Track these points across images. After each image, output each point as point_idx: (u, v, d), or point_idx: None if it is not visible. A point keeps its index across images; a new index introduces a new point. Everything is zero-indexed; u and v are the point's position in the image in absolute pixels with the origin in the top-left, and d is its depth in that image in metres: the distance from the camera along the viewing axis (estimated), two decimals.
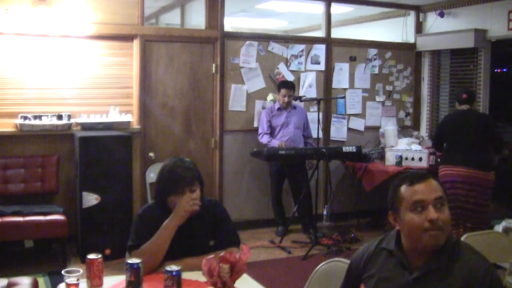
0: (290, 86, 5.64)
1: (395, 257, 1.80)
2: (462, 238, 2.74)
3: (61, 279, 2.05)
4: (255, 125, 5.89)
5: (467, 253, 1.75)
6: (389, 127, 6.27)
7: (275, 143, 5.51)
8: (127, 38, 5.30)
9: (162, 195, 2.44)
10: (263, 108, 5.88)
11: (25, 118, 4.89)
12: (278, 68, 6.02)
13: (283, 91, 5.58)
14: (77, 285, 2.01)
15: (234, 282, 2.00)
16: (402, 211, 1.77)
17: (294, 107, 5.70)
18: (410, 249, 1.78)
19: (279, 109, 5.66)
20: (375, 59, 6.55)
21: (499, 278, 1.76)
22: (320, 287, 2.31)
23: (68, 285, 2.00)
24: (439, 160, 5.28)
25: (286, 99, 5.56)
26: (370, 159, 5.86)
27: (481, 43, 5.94)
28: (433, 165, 5.40)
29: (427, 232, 1.70)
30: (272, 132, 5.66)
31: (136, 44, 5.32)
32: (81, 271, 2.06)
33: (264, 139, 5.60)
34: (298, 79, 6.13)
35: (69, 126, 5.02)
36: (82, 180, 4.71)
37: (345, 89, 6.41)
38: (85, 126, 5.10)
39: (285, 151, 5.35)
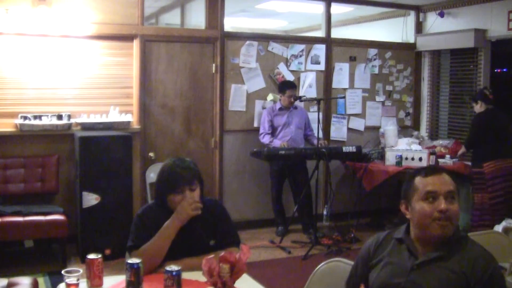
0: (293, 86, 5.69)
1: (404, 244, 1.89)
2: None
3: (61, 279, 2.05)
4: (255, 125, 5.89)
5: (473, 247, 1.82)
6: (389, 127, 6.27)
7: (276, 143, 5.52)
8: (127, 38, 5.30)
9: (162, 195, 2.44)
10: (263, 108, 5.88)
11: (25, 118, 4.89)
12: (278, 68, 6.02)
13: (288, 92, 5.58)
14: (77, 285, 2.01)
15: (234, 282, 1.99)
16: (414, 200, 1.86)
17: (295, 107, 5.71)
18: (418, 238, 1.86)
19: (280, 109, 5.66)
20: (375, 59, 6.55)
21: (501, 275, 1.79)
22: (320, 287, 2.31)
23: (68, 285, 2.00)
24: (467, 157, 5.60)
25: (292, 99, 5.58)
26: (370, 159, 5.86)
27: (481, 43, 5.94)
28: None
29: (435, 222, 1.79)
30: (273, 132, 5.67)
31: (136, 44, 5.32)
32: (81, 271, 2.06)
33: (265, 139, 5.61)
34: (298, 79, 6.13)
35: (69, 126, 5.02)
36: (82, 180, 4.71)
37: (345, 89, 6.41)
38: (85, 126, 5.09)
39: (285, 151, 5.35)
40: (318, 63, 6.23)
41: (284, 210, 5.84)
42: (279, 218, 5.80)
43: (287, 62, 6.07)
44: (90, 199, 4.69)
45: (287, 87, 5.65)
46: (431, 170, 1.88)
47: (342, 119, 6.42)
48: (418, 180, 1.88)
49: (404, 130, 6.60)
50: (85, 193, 4.69)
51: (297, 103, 5.74)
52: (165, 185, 2.43)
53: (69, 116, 5.04)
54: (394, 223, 5.51)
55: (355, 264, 2.04)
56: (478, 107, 5.33)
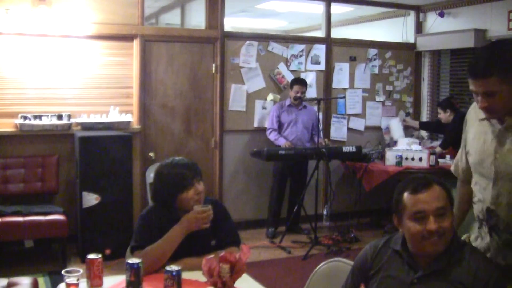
0: (303, 83, 5.69)
1: (402, 256, 1.84)
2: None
3: (61, 279, 2.05)
4: (255, 125, 5.89)
5: (473, 256, 1.78)
6: (393, 120, 6.35)
7: (281, 142, 5.52)
8: (127, 38, 5.30)
9: (169, 197, 2.43)
10: (263, 108, 5.89)
11: (25, 118, 4.89)
12: (278, 68, 6.02)
13: (295, 87, 5.61)
14: (77, 285, 2.01)
15: (234, 282, 1.99)
16: (404, 218, 1.81)
17: (305, 106, 5.71)
18: (414, 252, 1.82)
19: (289, 105, 5.67)
20: (375, 59, 6.55)
21: (503, 285, 1.76)
22: (320, 287, 2.31)
23: (68, 285, 2.00)
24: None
25: (299, 95, 5.58)
26: (370, 159, 5.86)
27: (481, 43, 5.93)
28: (433, 165, 5.40)
29: (426, 240, 1.74)
30: (280, 128, 5.67)
31: (136, 44, 5.32)
32: (81, 271, 2.06)
33: (272, 136, 5.62)
34: None
35: (69, 126, 5.02)
36: (82, 180, 4.71)
37: (345, 89, 6.42)
38: (85, 126, 5.09)
39: (285, 151, 5.36)
40: (318, 63, 6.23)
41: (280, 211, 5.81)
42: (274, 219, 5.75)
43: (287, 62, 6.07)
44: (90, 199, 4.69)
45: (295, 82, 5.68)
46: (420, 185, 1.79)
47: (342, 119, 6.42)
48: (406, 197, 1.80)
49: (404, 130, 6.60)
50: (85, 193, 4.69)
51: (307, 103, 5.75)
52: (172, 187, 2.42)
53: (69, 116, 5.04)
54: (394, 223, 5.50)
55: (351, 271, 2.00)
56: (447, 115, 5.68)
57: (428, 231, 1.73)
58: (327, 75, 6.29)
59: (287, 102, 5.71)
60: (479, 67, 1.87)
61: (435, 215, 1.74)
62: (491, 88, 1.84)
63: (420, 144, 6.01)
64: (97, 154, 4.71)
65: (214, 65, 5.70)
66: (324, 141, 5.68)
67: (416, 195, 1.78)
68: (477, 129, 2.08)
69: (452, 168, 2.36)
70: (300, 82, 5.69)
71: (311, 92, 6.14)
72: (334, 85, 6.34)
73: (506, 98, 1.86)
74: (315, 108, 5.73)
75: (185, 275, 2.10)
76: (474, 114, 2.10)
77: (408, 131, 6.62)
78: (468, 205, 2.18)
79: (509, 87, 1.83)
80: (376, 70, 6.58)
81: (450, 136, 5.68)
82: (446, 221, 1.76)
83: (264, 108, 5.88)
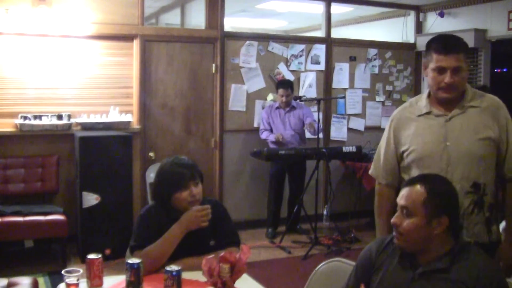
0: (287, 85, 5.61)
1: (403, 253, 1.85)
2: None
3: (61, 279, 2.05)
4: (255, 125, 5.90)
5: (477, 257, 1.77)
6: None
7: (271, 137, 5.53)
8: (127, 38, 5.30)
9: (166, 195, 2.44)
10: (263, 108, 5.88)
11: (25, 118, 4.89)
12: (278, 68, 6.02)
13: (280, 91, 5.58)
14: (77, 285, 2.01)
15: (234, 282, 1.99)
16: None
17: (294, 107, 5.66)
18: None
19: (277, 108, 5.65)
20: (375, 59, 6.55)
21: (507, 285, 1.76)
22: (320, 287, 2.31)
23: (68, 285, 2.00)
24: None
25: (284, 98, 5.55)
26: (370, 159, 5.85)
27: (481, 43, 5.94)
28: None
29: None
30: (270, 130, 5.68)
31: (136, 44, 5.32)
32: (81, 271, 2.06)
33: (263, 135, 5.63)
34: (298, 79, 6.13)
35: (69, 126, 5.02)
36: (82, 180, 4.71)
37: (345, 89, 6.42)
38: (85, 126, 5.10)
39: (285, 151, 5.36)
40: (318, 63, 6.23)
41: (279, 212, 5.81)
42: (274, 219, 5.74)
43: (287, 62, 6.07)
44: (90, 199, 4.69)
45: (279, 85, 5.64)
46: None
47: (342, 119, 6.42)
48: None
49: None
50: (85, 193, 4.69)
51: (298, 103, 5.71)
52: (169, 185, 2.42)
53: (69, 116, 5.05)
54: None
55: (354, 269, 2.00)
56: None
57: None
58: (327, 75, 6.29)
59: (276, 104, 5.68)
60: (451, 43, 2.14)
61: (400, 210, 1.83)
62: (460, 63, 2.10)
63: None
64: (97, 154, 4.71)
65: (214, 65, 5.70)
66: (309, 125, 5.41)
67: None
68: (418, 125, 2.27)
69: (372, 172, 2.44)
70: (283, 84, 5.61)
71: (311, 92, 6.14)
72: (334, 85, 6.34)
73: (464, 77, 2.15)
74: (303, 104, 5.67)
75: (185, 275, 2.10)
76: (408, 113, 2.35)
77: None
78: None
79: (466, 67, 2.14)
80: (376, 70, 6.58)
81: None
82: (408, 221, 1.81)
83: (264, 107, 5.87)
